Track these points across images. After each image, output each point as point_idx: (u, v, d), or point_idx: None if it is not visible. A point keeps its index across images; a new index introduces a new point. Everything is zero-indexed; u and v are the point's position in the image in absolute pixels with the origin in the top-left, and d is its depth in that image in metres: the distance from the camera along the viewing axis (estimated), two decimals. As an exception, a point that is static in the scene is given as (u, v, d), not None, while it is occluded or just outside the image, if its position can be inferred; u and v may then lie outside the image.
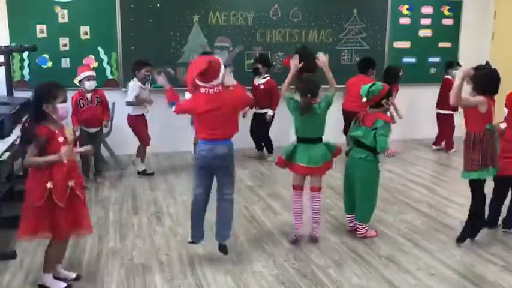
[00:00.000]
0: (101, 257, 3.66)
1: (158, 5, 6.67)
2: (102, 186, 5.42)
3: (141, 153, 5.97)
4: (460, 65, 7.25)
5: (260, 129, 6.68)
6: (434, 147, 7.44)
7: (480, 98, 3.71)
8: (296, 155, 3.88)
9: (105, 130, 5.92)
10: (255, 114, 6.67)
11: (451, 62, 7.33)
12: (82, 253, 3.72)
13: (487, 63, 3.98)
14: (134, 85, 5.64)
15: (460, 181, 4.07)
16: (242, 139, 6.97)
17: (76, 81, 5.49)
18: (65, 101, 3.12)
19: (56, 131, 3.07)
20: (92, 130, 5.47)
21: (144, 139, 5.91)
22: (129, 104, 5.67)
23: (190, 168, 6.19)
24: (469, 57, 8.06)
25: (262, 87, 6.46)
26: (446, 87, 7.26)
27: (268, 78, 6.50)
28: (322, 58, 4.00)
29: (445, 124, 7.16)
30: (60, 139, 3.06)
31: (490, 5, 8.16)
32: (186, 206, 4.80)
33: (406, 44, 7.90)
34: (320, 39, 7.41)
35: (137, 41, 6.63)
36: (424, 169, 6.38)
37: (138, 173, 5.91)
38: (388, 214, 4.63)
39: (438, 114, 7.25)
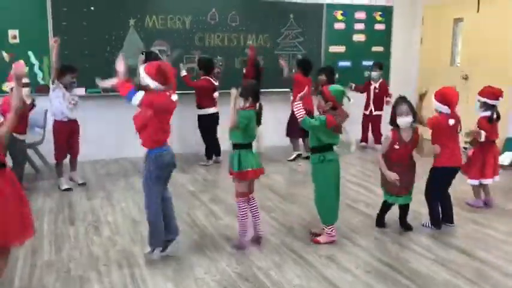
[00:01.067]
0: (34, 271, 3.49)
1: (92, 8, 6.49)
2: (35, 196, 5.18)
3: (58, 168, 5.50)
4: (378, 67, 7.61)
5: (206, 131, 6.63)
6: (363, 144, 7.88)
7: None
8: (243, 162, 3.76)
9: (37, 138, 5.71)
10: (200, 117, 6.60)
11: (374, 64, 7.74)
12: (14, 267, 3.52)
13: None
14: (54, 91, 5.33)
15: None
16: (184, 143, 6.99)
17: (8, 88, 5.17)
18: None
19: None
20: (24, 137, 5.20)
21: (55, 151, 5.44)
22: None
23: (127, 175, 6.07)
24: (399, 61, 8.49)
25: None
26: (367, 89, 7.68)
27: (201, 78, 6.46)
28: (233, 91, 3.79)
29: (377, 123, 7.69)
30: None
31: (418, 11, 8.59)
32: (124, 214, 4.70)
33: (341, 48, 8.15)
34: (258, 43, 7.50)
35: (71, 45, 6.40)
36: (361, 168, 6.60)
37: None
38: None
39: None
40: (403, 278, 3.47)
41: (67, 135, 5.45)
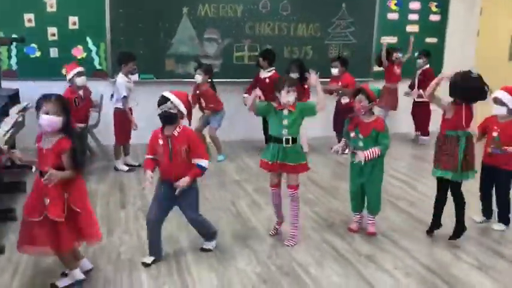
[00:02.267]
0: (88, 253, 3.71)
1: (148, -5, 6.67)
2: (90, 178, 5.45)
3: (116, 151, 5.87)
4: (423, 55, 7.43)
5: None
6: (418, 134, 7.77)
7: (445, 103, 3.91)
8: (303, 154, 4.00)
9: (92, 122, 5.99)
10: None
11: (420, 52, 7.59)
12: (70, 248, 3.77)
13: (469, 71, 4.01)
14: (122, 80, 5.58)
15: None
16: (229, 130, 7.08)
17: (67, 78, 5.40)
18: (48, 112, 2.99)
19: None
20: (82, 126, 5.45)
21: (118, 137, 5.79)
22: (124, 98, 5.58)
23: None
24: (454, 53, 8.24)
25: (267, 81, 6.49)
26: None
27: (273, 72, 6.55)
28: (313, 77, 3.88)
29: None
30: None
31: (477, 2, 8.27)
32: (172, 201, 4.87)
33: (393, 39, 7.98)
34: (309, 33, 7.48)
35: (126, 32, 6.64)
36: (404, 164, 6.54)
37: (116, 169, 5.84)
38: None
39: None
40: (442, 283, 3.47)
41: (128, 121, 5.70)
